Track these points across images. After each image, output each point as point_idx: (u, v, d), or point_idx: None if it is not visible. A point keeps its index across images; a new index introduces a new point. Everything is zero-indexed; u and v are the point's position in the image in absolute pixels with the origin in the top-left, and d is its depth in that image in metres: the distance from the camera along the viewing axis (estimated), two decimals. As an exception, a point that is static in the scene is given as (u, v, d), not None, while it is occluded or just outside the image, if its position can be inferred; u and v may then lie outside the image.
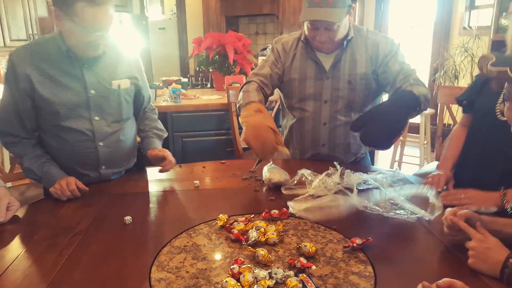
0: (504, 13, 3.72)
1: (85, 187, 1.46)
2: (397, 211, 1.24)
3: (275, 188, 1.49)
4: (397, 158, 3.93)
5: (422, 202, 1.26)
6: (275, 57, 1.80)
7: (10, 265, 1.02)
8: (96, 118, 1.55)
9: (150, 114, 1.82)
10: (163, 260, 1.03)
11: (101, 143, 1.57)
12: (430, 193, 1.25)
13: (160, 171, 1.63)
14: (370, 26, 5.43)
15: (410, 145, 4.27)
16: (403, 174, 1.58)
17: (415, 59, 5.38)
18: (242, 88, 1.76)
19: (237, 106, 1.71)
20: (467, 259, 0.97)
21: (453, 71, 4.44)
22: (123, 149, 1.66)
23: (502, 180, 1.27)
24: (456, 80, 4.44)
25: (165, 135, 1.82)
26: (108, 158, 1.61)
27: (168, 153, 1.64)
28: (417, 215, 1.22)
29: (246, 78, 3.84)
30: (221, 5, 6.11)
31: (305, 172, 1.48)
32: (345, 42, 1.68)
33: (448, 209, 1.08)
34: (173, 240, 1.13)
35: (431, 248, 1.09)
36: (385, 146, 1.37)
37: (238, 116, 1.76)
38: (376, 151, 4.08)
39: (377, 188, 1.36)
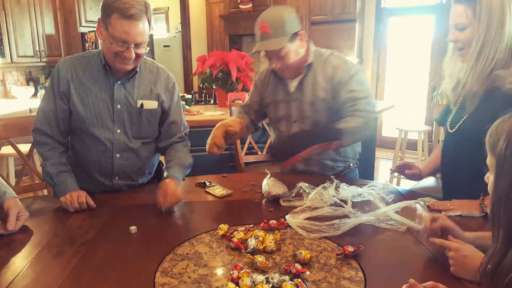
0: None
1: (93, 204, 1.52)
2: (388, 222, 1.30)
3: (274, 200, 1.55)
4: (396, 174, 3.98)
5: (411, 213, 1.33)
6: (255, 88, 2.02)
7: (20, 272, 1.08)
8: (118, 131, 1.65)
9: (180, 146, 1.78)
10: (166, 266, 1.09)
11: (117, 155, 1.67)
12: (418, 205, 1.32)
13: (159, 205, 1.46)
14: (369, 46, 5.55)
15: (409, 161, 4.32)
16: (393, 187, 1.66)
17: (413, 78, 5.48)
18: None
19: None
20: (451, 266, 1.03)
21: (450, 89, 4.51)
22: (137, 164, 1.74)
23: (470, 186, 1.40)
24: (453, 98, 4.51)
25: (189, 162, 1.74)
26: (121, 170, 1.70)
27: (172, 189, 1.48)
28: (406, 225, 1.28)
29: (248, 94, 3.92)
30: (225, 24, 6.25)
31: (303, 185, 1.54)
32: (304, 69, 1.80)
33: (427, 215, 1.18)
34: (176, 248, 1.19)
35: (418, 255, 1.15)
36: (278, 161, 1.62)
37: None
38: (376, 166, 4.14)
39: (370, 200, 1.43)
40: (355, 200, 1.46)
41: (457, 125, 1.49)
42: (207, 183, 1.76)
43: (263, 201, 1.57)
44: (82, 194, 1.52)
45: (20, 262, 1.14)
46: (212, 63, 3.61)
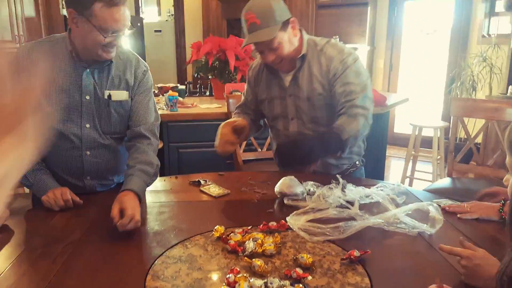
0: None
1: (79, 200, 1.55)
2: (398, 225, 1.33)
3: (274, 200, 1.58)
4: (408, 173, 4.02)
5: (423, 216, 1.36)
6: (248, 85, 2.06)
7: (1, 273, 1.11)
8: (87, 125, 1.63)
9: (144, 146, 1.64)
10: (158, 269, 1.13)
11: (88, 152, 1.65)
12: (431, 208, 1.35)
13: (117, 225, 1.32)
14: (382, 33, 5.57)
15: (423, 160, 4.37)
16: (405, 187, 1.69)
17: (430, 69, 5.50)
18: None
19: None
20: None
21: (470, 82, 4.54)
22: (111, 163, 1.72)
23: None
24: (473, 92, 4.54)
25: (153, 170, 1.61)
26: (93, 169, 1.68)
27: (130, 209, 1.35)
28: (418, 230, 1.31)
29: (243, 94, 3.97)
30: (222, 7, 6.26)
31: (309, 183, 1.59)
32: (298, 61, 1.82)
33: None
34: (168, 250, 1.23)
35: (430, 261, 1.18)
36: (284, 168, 1.73)
37: None
38: (386, 165, 4.18)
39: (379, 202, 1.47)
40: (363, 202, 1.50)
41: None
42: (202, 182, 1.80)
43: (262, 201, 1.60)
44: (65, 191, 1.54)
45: (1, 263, 1.17)
46: (208, 50, 3.64)
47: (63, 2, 5.10)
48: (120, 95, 1.65)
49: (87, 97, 1.61)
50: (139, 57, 1.76)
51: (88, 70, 1.59)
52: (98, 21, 1.45)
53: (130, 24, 1.54)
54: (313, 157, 1.67)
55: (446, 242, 1.25)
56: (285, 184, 1.60)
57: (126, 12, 1.49)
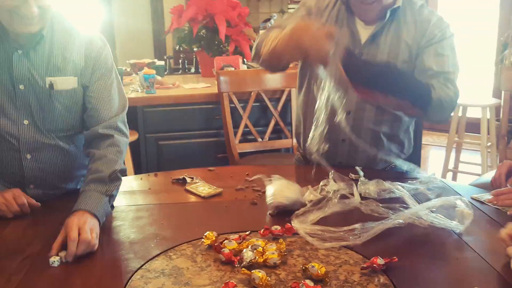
0: None
1: (36, 203, 1.59)
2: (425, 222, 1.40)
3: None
4: (451, 166, 4.05)
5: (450, 213, 1.43)
6: (307, 11, 1.96)
7: None
8: (26, 122, 1.61)
9: (105, 146, 1.63)
10: (136, 285, 1.17)
11: (28, 156, 1.64)
12: (459, 201, 1.42)
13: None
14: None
15: (469, 148, 4.39)
16: (441, 180, 1.75)
17: (476, 32, 5.50)
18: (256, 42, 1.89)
19: (254, 52, 1.88)
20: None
21: (528, 47, 4.56)
22: (59, 168, 1.72)
23: None
24: (531, 60, 4.56)
25: (116, 182, 1.59)
26: (36, 175, 1.68)
27: (83, 234, 1.32)
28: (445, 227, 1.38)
29: (243, 59, 3.94)
30: (210, -40, 6.26)
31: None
32: (388, 12, 1.82)
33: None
34: (149, 262, 1.28)
35: (471, 268, 1.23)
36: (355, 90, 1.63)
37: (256, 59, 1.89)
38: (423, 156, 4.21)
39: (400, 197, 1.54)
40: (381, 198, 1.56)
41: None
42: (188, 180, 1.84)
43: (263, 201, 1.65)
44: (18, 193, 1.56)
45: None
46: (191, 16, 3.65)
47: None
48: (65, 82, 1.62)
49: (21, 87, 1.58)
50: (94, 31, 1.72)
51: (20, 52, 1.56)
52: None
53: None
54: (389, 87, 1.62)
55: (489, 243, 1.31)
56: (276, 190, 1.59)
57: None
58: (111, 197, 1.55)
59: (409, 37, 1.84)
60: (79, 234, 1.30)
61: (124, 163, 1.66)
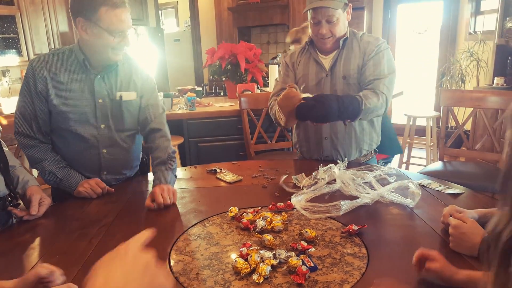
0: (507, 18, 3.79)
1: (111, 189, 1.60)
2: (386, 200, 1.38)
3: (281, 185, 1.60)
4: (405, 159, 4.00)
5: (405, 193, 1.41)
6: (285, 69, 1.99)
7: (46, 252, 1.15)
8: (102, 126, 1.62)
9: (158, 138, 1.67)
10: (180, 245, 1.16)
11: (104, 150, 1.65)
12: (411, 184, 1.40)
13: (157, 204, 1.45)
14: (378, 33, 5.51)
15: (417, 147, 4.35)
16: (398, 170, 1.72)
17: (422, 64, 5.45)
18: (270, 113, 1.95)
19: (274, 120, 1.90)
20: (451, 241, 1.08)
21: (459, 75, 4.49)
22: (125, 158, 1.73)
23: None
24: (462, 84, 4.49)
25: (170, 160, 1.63)
26: (109, 165, 1.68)
27: (166, 190, 1.47)
28: (402, 203, 1.36)
29: (257, 85, 3.92)
30: (233, 17, 6.27)
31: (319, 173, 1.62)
32: (341, 42, 1.82)
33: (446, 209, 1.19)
34: (189, 229, 1.26)
35: (420, 232, 1.20)
36: (301, 120, 1.64)
37: (277, 124, 1.90)
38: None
39: (369, 182, 1.50)
40: (356, 182, 1.52)
41: None
42: (218, 170, 1.82)
43: (271, 186, 1.63)
44: (99, 181, 1.58)
45: (46, 243, 1.22)
46: (221, 55, 3.66)
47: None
48: (129, 95, 1.65)
49: (100, 101, 1.60)
50: (145, 65, 1.77)
51: (99, 76, 1.59)
52: (105, 23, 1.44)
53: (132, 26, 1.52)
54: (330, 116, 1.60)
55: (432, 214, 1.27)
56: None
57: (128, 14, 1.49)
58: (173, 170, 1.62)
59: (356, 57, 1.82)
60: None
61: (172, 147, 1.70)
